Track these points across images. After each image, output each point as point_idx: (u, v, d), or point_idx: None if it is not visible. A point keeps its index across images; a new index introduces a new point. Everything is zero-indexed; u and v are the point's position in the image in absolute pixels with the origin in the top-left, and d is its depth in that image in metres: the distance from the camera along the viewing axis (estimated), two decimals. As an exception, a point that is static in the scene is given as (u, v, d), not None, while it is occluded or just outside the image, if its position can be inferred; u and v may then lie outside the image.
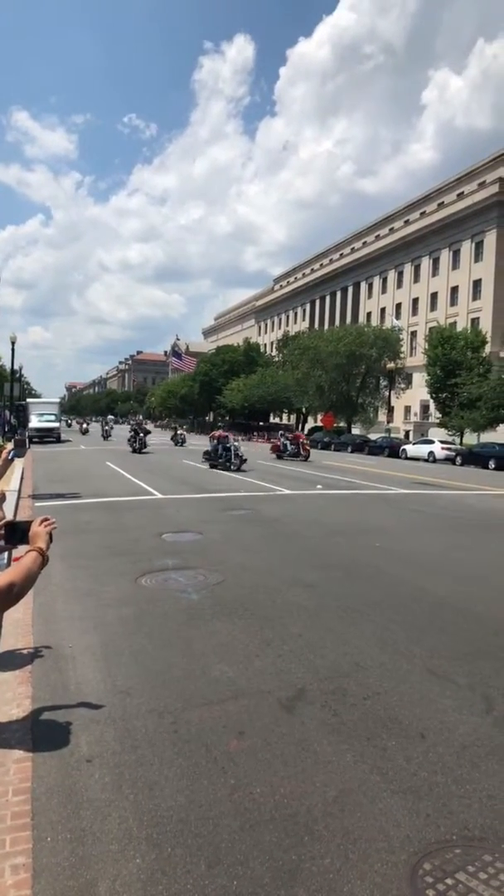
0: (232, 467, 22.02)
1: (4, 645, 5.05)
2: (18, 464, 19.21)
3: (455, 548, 9.76)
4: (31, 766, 3.32)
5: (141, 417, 40.91)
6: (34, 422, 40.34)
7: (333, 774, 3.25)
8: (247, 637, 5.31)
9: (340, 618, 5.89)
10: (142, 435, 30.66)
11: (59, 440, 40.32)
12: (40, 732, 3.67)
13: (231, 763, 3.35)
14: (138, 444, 30.46)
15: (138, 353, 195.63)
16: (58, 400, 61.42)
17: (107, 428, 43.74)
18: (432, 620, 5.90)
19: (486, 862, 2.61)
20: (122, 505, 13.03)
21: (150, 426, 52.28)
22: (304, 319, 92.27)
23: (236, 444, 23.04)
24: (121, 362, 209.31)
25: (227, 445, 22.78)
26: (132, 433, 31.33)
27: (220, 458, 22.76)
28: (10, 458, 4.60)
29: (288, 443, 30.58)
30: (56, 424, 41.89)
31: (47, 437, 39.38)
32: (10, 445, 5.26)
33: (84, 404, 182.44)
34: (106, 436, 42.87)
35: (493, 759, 3.41)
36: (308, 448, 30.74)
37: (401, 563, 8.38)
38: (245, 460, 22.86)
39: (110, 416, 76.20)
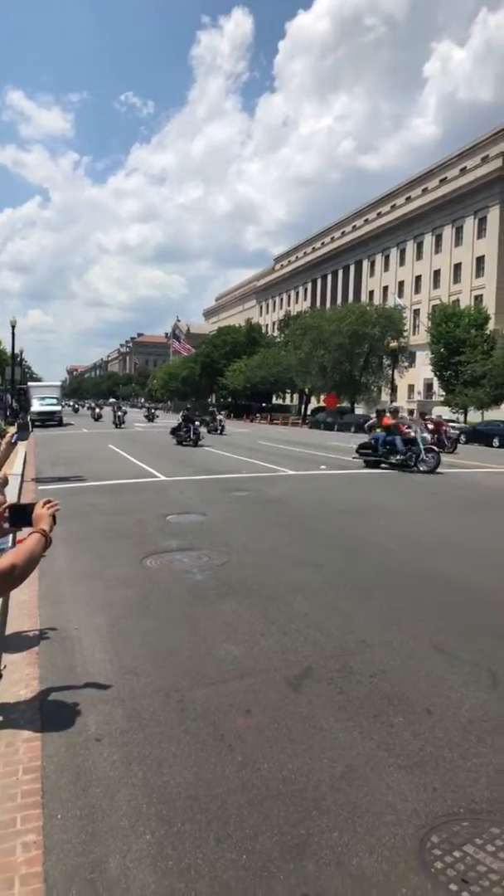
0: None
1: (11, 626, 5.09)
2: (21, 447, 19.23)
3: (461, 526, 9.77)
4: (41, 745, 3.34)
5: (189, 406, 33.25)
6: (36, 405, 40.39)
7: (340, 750, 3.27)
8: (252, 616, 5.33)
9: (346, 597, 5.90)
10: (196, 425, 25.62)
11: (61, 423, 40.36)
12: (49, 713, 3.70)
13: (238, 740, 3.37)
14: (193, 436, 25.05)
15: (139, 335, 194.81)
16: (59, 383, 61.45)
17: (119, 414, 38.78)
18: (438, 598, 5.91)
19: (493, 835, 2.63)
20: (126, 487, 13.05)
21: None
22: (305, 299, 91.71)
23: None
24: (122, 345, 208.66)
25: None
26: (184, 424, 25.42)
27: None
28: (13, 441, 4.59)
29: (425, 434, 18.55)
30: (58, 408, 41.93)
31: (49, 420, 39.42)
32: (12, 429, 5.25)
33: (85, 388, 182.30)
34: (119, 422, 38.19)
35: (500, 733, 3.43)
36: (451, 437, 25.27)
37: (406, 541, 8.39)
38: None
39: (123, 401, 75.54)
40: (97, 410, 51.14)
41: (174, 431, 25.79)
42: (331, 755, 3.23)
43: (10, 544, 4.02)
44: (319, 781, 3.01)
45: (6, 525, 2.67)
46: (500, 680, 4.10)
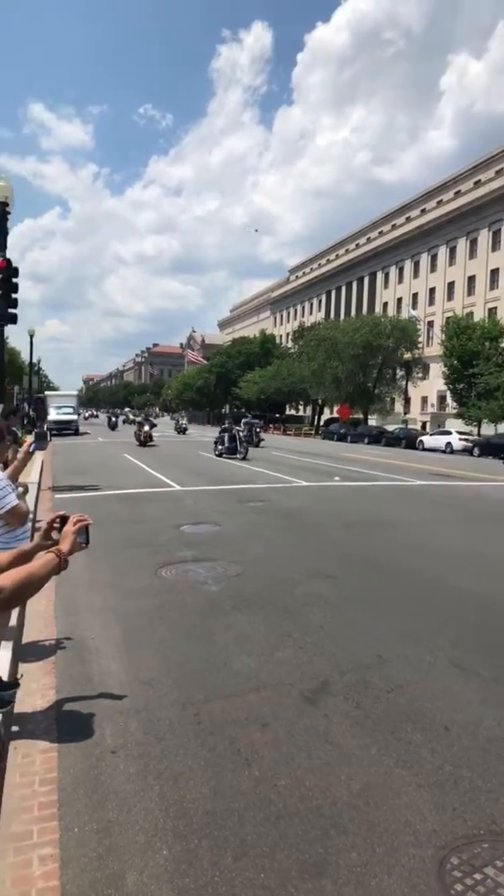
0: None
1: (28, 635, 5.10)
2: (38, 456, 19.34)
3: (476, 540, 9.69)
4: (57, 756, 3.34)
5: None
6: (52, 414, 40.64)
7: (358, 767, 3.24)
8: (267, 629, 5.30)
9: (361, 610, 5.86)
10: (243, 437, 23.67)
11: (77, 433, 40.58)
12: (65, 723, 3.70)
13: (255, 755, 3.35)
14: (243, 450, 22.99)
15: (154, 345, 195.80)
16: (76, 393, 61.99)
17: (146, 430, 29.19)
18: (454, 612, 5.85)
19: (514, 857, 2.59)
20: (141, 497, 13.07)
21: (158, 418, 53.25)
22: (319, 310, 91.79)
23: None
24: (137, 355, 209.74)
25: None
26: (227, 436, 23.47)
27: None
28: (30, 450, 4.62)
29: None
30: (74, 417, 42.20)
31: (65, 429, 39.65)
32: (30, 438, 5.28)
33: (101, 397, 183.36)
34: (145, 439, 28.68)
35: (520, 753, 3.38)
36: None
37: (421, 554, 8.33)
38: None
39: (147, 410, 76.10)
40: (113, 420, 50.53)
41: (216, 445, 23.96)
42: (348, 772, 3.19)
43: (27, 537, 4.01)
44: (337, 799, 2.98)
45: (58, 535, 2.48)
46: (519, 698, 4.05)
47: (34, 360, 47.61)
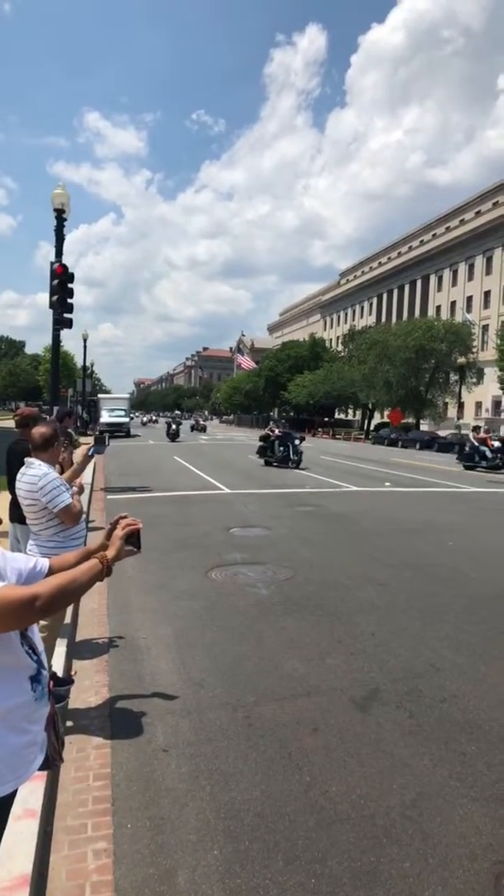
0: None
1: (81, 633, 5.20)
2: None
3: (531, 548, 9.42)
4: (110, 752, 3.40)
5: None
6: (105, 417, 41.44)
7: (411, 777, 3.19)
8: (317, 634, 5.28)
9: (413, 617, 5.78)
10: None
11: (128, 435, 41.24)
12: (118, 720, 3.76)
13: (306, 760, 3.33)
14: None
15: (204, 349, 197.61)
16: (127, 395, 62.83)
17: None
18: (509, 623, 5.71)
19: None
20: (191, 499, 13.19)
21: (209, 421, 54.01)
22: (370, 314, 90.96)
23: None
24: (187, 358, 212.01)
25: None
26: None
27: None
28: (89, 454, 4.71)
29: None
30: (126, 419, 42.86)
31: (117, 431, 40.32)
32: (89, 442, 5.39)
33: (152, 400, 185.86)
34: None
35: None
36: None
37: (475, 562, 8.16)
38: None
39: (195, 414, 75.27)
40: (174, 427, 36.82)
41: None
42: (401, 781, 3.15)
43: (83, 536, 4.06)
44: (390, 808, 2.94)
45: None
46: None
47: (87, 364, 48.59)
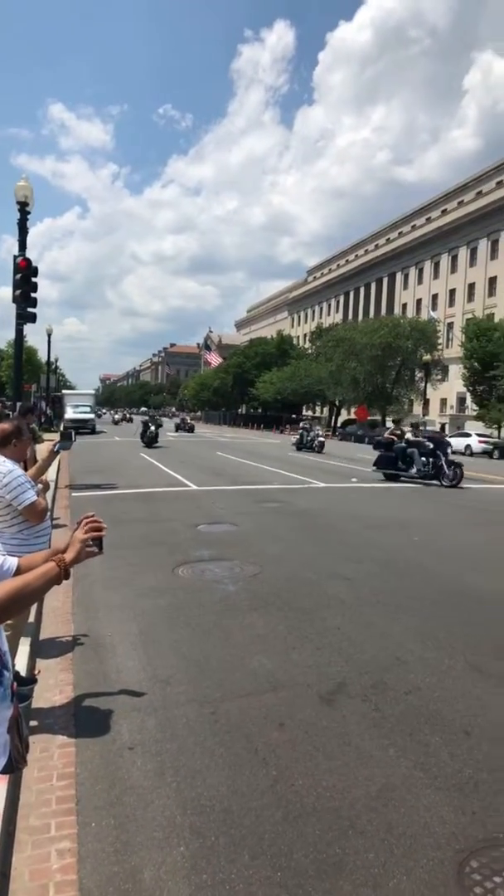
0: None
1: (45, 632, 5.13)
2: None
3: (496, 542, 9.60)
4: (75, 751, 3.36)
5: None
6: (70, 413, 40.98)
7: (376, 769, 3.21)
8: (284, 629, 5.29)
9: (379, 612, 5.83)
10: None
11: (93, 431, 40.83)
12: (82, 719, 3.72)
13: (273, 754, 3.34)
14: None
15: (171, 345, 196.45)
16: (93, 392, 61.99)
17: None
18: (473, 615, 5.80)
19: (535, 862, 2.55)
20: (158, 496, 13.11)
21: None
22: (337, 311, 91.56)
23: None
24: (154, 354, 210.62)
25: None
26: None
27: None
28: (55, 450, 4.64)
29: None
30: (91, 416, 42.45)
31: (82, 428, 39.90)
32: (54, 438, 5.30)
33: (118, 396, 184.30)
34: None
35: (541, 757, 3.34)
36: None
37: (440, 557, 8.27)
38: None
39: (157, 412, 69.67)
40: (152, 428, 29.53)
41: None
42: (366, 773, 3.18)
43: (48, 534, 4.00)
44: (355, 800, 2.96)
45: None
46: (540, 702, 4.00)
47: (52, 359, 47.94)
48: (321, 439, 30.17)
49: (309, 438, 30.01)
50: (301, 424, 33.86)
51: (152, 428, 28.52)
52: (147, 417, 31.24)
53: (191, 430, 48.08)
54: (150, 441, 28.04)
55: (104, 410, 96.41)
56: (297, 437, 31.11)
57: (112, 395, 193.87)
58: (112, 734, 3.55)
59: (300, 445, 30.04)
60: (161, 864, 2.53)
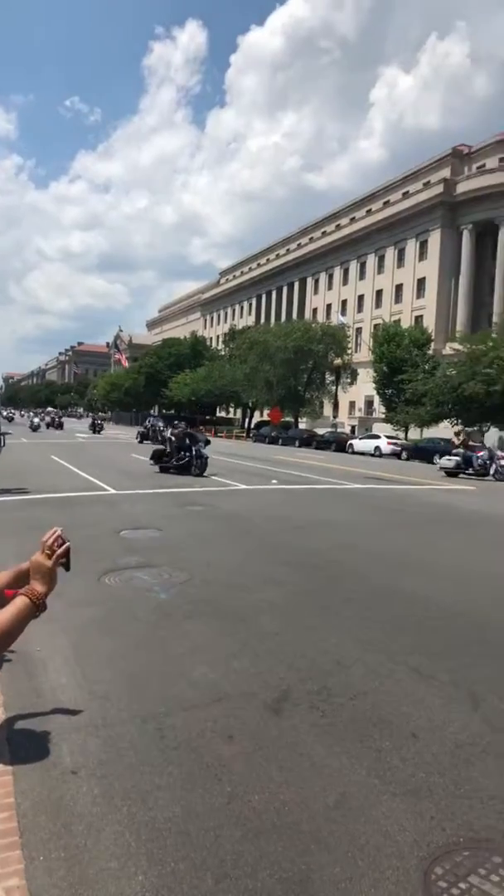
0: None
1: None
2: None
3: (417, 542, 9.88)
4: (12, 779, 3.12)
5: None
6: None
7: (331, 778, 3.18)
8: (222, 637, 5.19)
9: (314, 615, 5.84)
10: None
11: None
12: (18, 743, 3.48)
13: (225, 769, 3.24)
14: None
15: (79, 344, 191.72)
16: None
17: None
18: (406, 616, 5.91)
19: (496, 864, 2.58)
20: (74, 500, 12.69)
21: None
22: (250, 313, 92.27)
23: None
24: (61, 353, 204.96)
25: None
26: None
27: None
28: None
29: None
30: None
31: None
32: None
33: (22, 396, 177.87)
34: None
35: (488, 757, 3.41)
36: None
37: (366, 558, 8.42)
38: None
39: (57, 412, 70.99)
40: (35, 421, 49.08)
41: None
42: (322, 783, 3.13)
43: None
44: (314, 812, 2.91)
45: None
46: (481, 701, 4.10)
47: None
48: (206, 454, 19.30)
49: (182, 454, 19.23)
50: (150, 422, 32.75)
51: (36, 421, 41.41)
52: (34, 414, 40.79)
53: (101, 429, 49.61)
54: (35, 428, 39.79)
55: (14, 412, 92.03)
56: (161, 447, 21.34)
57: (16, 395, 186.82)
58: (52, 758, 3.34)
59: (166, 462, 19.32)
60: (121, 898, 2.38)
